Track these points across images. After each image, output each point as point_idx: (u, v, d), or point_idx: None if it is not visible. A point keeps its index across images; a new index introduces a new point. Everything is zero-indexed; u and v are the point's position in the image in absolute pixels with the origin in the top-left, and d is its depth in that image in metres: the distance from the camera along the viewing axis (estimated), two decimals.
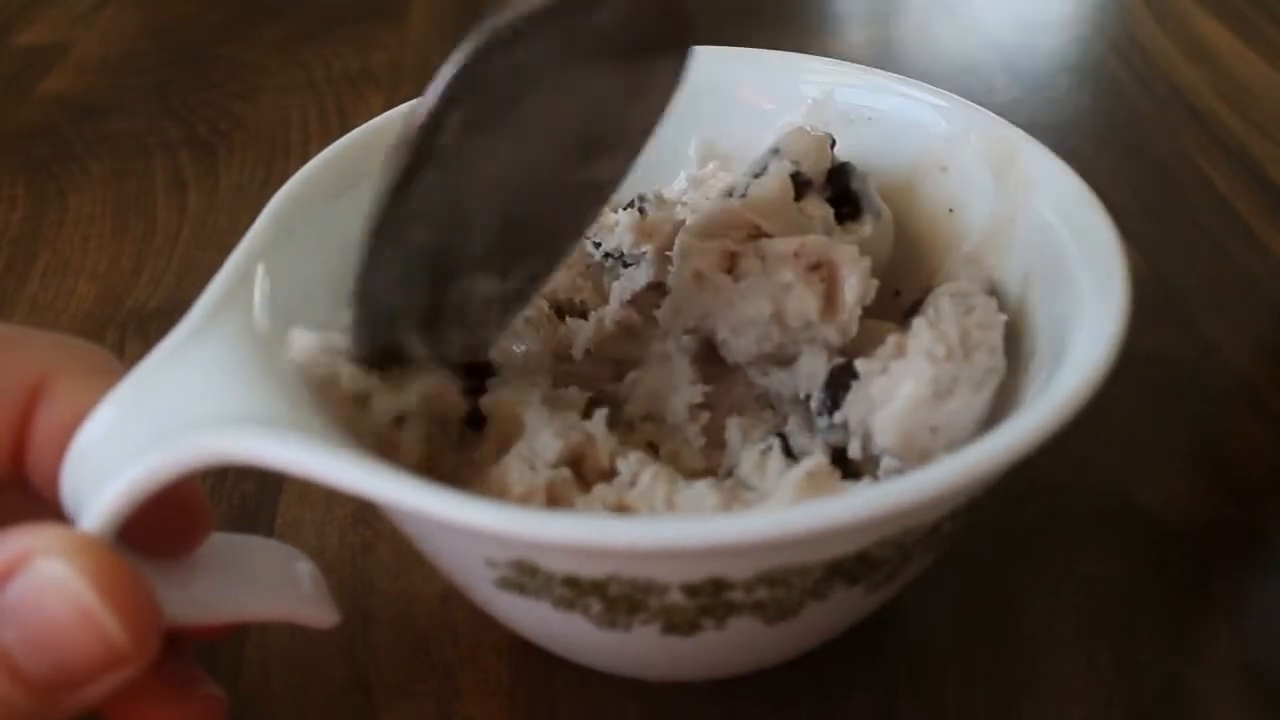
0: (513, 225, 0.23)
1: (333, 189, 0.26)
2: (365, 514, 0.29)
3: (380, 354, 0.22)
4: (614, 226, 0.29)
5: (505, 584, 0.20)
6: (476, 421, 0.24)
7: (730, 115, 0.30)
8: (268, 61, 0.54)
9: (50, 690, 0.18)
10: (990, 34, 0.53)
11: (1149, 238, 0.38)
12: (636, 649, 0.21)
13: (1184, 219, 0.39)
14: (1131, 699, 0.25)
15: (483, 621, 0.27)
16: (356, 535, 0.29)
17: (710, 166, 0.30)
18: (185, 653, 0.22)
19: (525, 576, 0.19)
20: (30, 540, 0.18)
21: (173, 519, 0.21)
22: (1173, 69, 0.48)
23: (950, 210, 0.27)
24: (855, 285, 0.24)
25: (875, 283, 0.24)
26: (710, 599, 0.19)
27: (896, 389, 0.23)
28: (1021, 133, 0.26)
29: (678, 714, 0.25)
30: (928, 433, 0.22)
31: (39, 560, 0.17)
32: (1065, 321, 0.22)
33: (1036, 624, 0.26)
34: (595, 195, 0.24)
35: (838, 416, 0.24)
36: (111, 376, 0.20)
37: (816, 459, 0.23)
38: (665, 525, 0.17)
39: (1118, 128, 0.45)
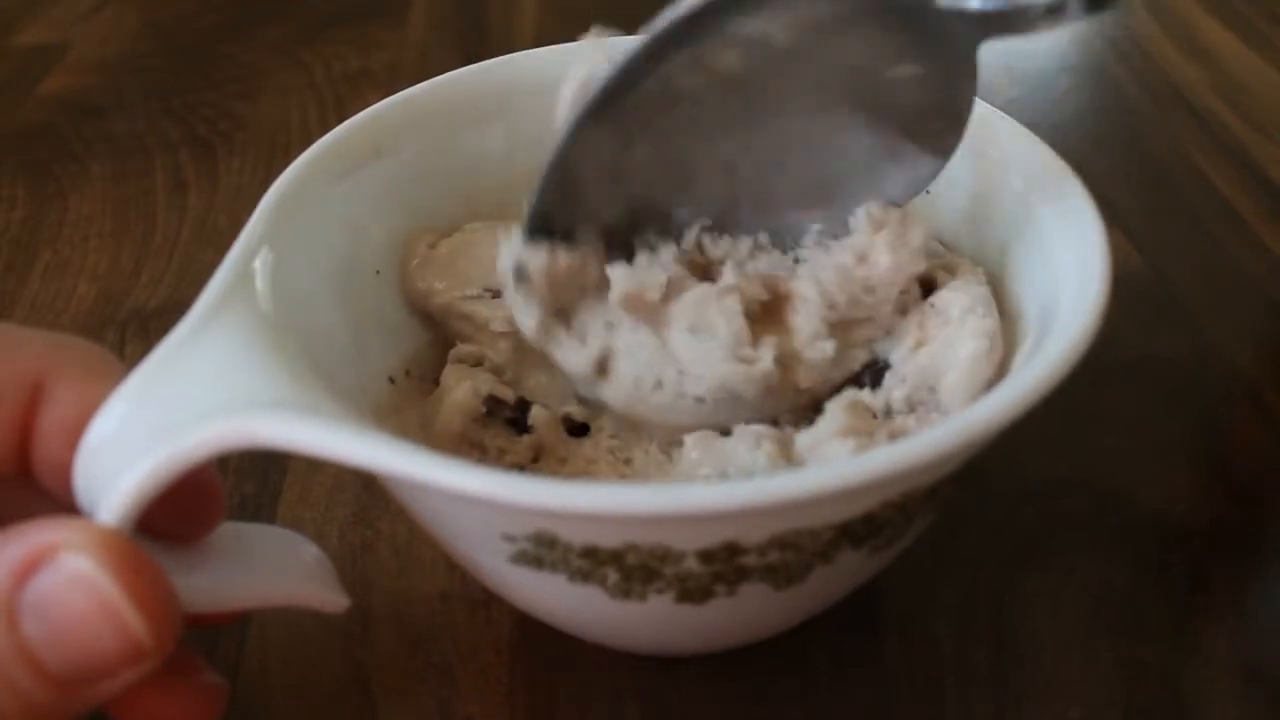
0: (710, 182, 0.25)
1: (335, 173, 0.26)
2: (365, 514, 0.29)
3: (547, 230, 0.24)
4: None
5: (521, 558, 0.20)
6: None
7: None
8: (268, 61, 0.54)
9: (71, 684, 0.18)
10: None
11: (1149, 238, 0.38)
12: (649, 620, 0.21)
13: (1184, 219, 0.39)
14: (1131, 699, 0.25)
15: (483, 621, 0.27)
16: (356, 535, 0.29)
17: None
18: (185, 640, 0.23)
19: (543, 549, 0.20)
20: (53, 534, 0.18)
21: (189, 504, 0.21)
22: (1173, 69, 0.48)
23: (928, 192, 0.28)
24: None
25: None
26: (724, 564, 0.19)
27: (954, 353, 0.23)
28: (995, 109, 0.26)
29: (677, 715, 0.25)
30: (984, 390, 0.23)
31: (63, 554, 0.18)
32: (1048, 290, 0.23)
33: (1037, 624, 0.26)
34: (782, 234, 0.25)
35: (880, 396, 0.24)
36: (112, 372, 0.20)
37: (850, 392, 0.23)
38: (688, 490, 0.18)
39: (1118, 128, 0.45)
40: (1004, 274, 0.25)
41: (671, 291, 0.24)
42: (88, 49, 0.56)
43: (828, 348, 0.24)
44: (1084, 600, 0.27)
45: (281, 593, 0.23)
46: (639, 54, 0.22)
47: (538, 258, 0.24)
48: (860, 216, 0.24)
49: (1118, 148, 0.44)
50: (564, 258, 0.24)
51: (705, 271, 0.25)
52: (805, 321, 0.24)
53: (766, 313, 0.24)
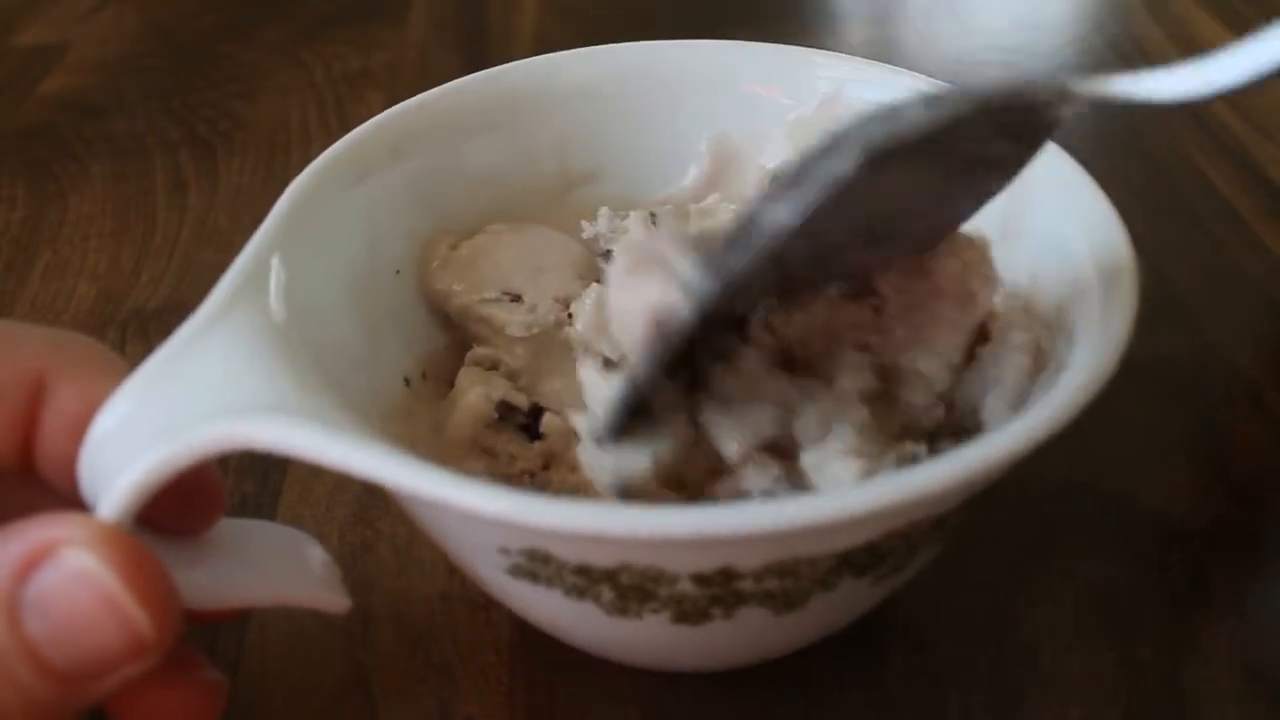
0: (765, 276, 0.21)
1: (350, 177, 0.26)
2: (365, 514, 0.29)
3: (629, 420, 0.20)
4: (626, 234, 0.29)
5: (517, 572, 0.20)
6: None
7: (741, 110, 0.30)
8: (268, 61, 0.54)
9: (74, 679, 0.18)
10: (990, 34, 0.53)
11: (1149, 238, 0.37)
12: (646, 638, 0.21)
13: (1184, 219, 0.39)
14: (1131, 699, 0.25)
15: (483, 621, 0.27)
16: (356, 535, 0.29)
17: (711, 199, 0.30)
18: (185, 636, 0.23)
19: (537, 564, 0.19)
20: (55, 530, 0.18)
21: (189, 499, 0.21)
22: None
23: None
24: None
25: None
26: (720, 589, 0.19)
27: (997, 372, 0.22)
28: None
29: (677, 715, 0.25)
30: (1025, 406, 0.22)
31: (64, 550, 0.18)
32: (1074, 318, 0.22)
33: (1036, 624, 0.26)
34: (847, 281, 0.23)
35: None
36: (114, 369, 0.20)
37: (861, 410, 0.22)
38: (678, 515, 0.17)
39: (1118, 128, 0.45)
40: (1032, 290, 0.25)
41: (785, 418, 0.21)
42: (88, 49, 0.56)
43: (939, 413, 0.23)
44: (1084, 600, 0.27)
45: (283, 591, 0.23)
46: (722, 295, 0.18)
47: (639, 468, 0.21)
48: (943, 256, 0.22)
49: (1118, 148, 0.44)
50: (663, 453, 0.21)
51: (788, 352, 0.23)
52: (920, 396, 0.22)
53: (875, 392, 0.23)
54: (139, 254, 0.41)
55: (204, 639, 0.26)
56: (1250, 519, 0.29)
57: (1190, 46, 0.50)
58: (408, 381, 0.26)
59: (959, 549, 0.27)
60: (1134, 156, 0.43)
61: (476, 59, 0.29)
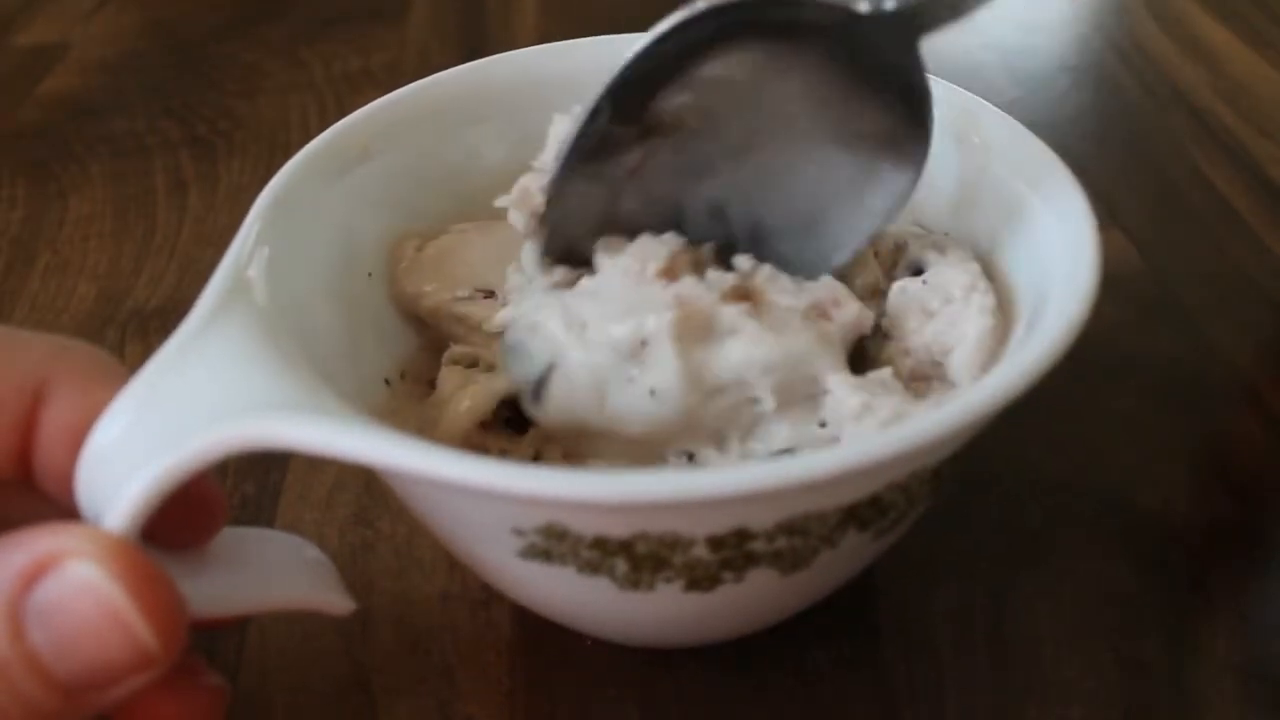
0: (703, 225, 0.25)
1: (328, 174, 0.26)
2: (365, 514, 0.29)
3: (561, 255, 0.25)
4: None
5: (530, 553, 0.20)
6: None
7: None
8: (268, 61, 0.54)
9: (77, 691, 0.18)
10: (990, 34, 0.53)
11: (1149, 238, 0.38)
12: (656, 610, 0.22)
13: (1184, 219, 0.39)
14: (1131, 699, 0.25)
15: (483, 621, 0.27)
16: (356, 535, 0.29)
17: None
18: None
19: (553, 541, 0.20)
20: (59, 541, 0.18)
21: (190, 511, 0.21)
22: (1173, 69, 0.48)
23: None
24: None
25: None
26: (733, 551, 0.20)
27: (961, 330, 0.24)
28: (979, 99, 0.27)
29: (676, 716, 0.25)
30: (994, 364, 0.23)
31: (69, 562, 0.17)
32: (1038, 270, 0.23)
33: (1037, 624, 0.26)
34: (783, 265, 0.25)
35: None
36: (114, 376, 0.20)
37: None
38: (701, 475, 0.18)
39: (1118, 128, 0.45)
40: (991, 257, 0.25)
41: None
42: (88, 49, 0.56)
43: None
44: (1084, 600, 0.27)
45: (286, 597, 0.23)
46: (589, 109, 0.23)
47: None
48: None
49: (1118, 148, 0.44)
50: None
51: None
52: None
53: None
54: (139, 254, 0.41)
55: (204, 640, 0.26)
56: (1250, 519, 0.29)
57: (1191, 46, 0.50)
58: (388, 383, 0.26)
59: (960, 548, 0.28)
60: (1134, 156, 0.43)
61: (476, 59, 0.29)
